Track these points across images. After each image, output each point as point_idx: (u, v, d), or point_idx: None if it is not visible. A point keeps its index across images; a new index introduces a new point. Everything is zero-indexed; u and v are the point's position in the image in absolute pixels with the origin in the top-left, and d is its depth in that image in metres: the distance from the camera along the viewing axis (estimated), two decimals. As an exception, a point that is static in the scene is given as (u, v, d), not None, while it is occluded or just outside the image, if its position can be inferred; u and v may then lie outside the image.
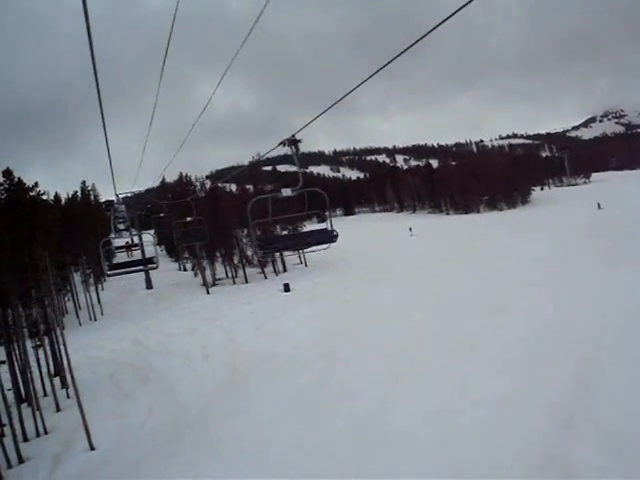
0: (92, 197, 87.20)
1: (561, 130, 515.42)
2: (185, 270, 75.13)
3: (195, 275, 65.07)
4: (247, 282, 59.18)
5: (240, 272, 62.17)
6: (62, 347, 26.96)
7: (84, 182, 72.66)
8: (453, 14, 5.02)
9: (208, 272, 60.99)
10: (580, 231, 55.46)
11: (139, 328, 41.41)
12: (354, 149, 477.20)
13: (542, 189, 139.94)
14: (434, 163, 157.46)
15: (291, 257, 66.08)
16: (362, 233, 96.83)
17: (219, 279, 62.81)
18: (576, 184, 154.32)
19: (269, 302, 45.55)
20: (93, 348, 36.65)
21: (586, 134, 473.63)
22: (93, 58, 5.93)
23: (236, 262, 62.92)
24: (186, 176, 62.80)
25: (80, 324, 47.29)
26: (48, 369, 30.81)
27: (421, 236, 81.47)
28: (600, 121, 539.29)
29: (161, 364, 30.35)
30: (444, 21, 5.15)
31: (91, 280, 58.17)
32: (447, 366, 23.04)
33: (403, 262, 57.41)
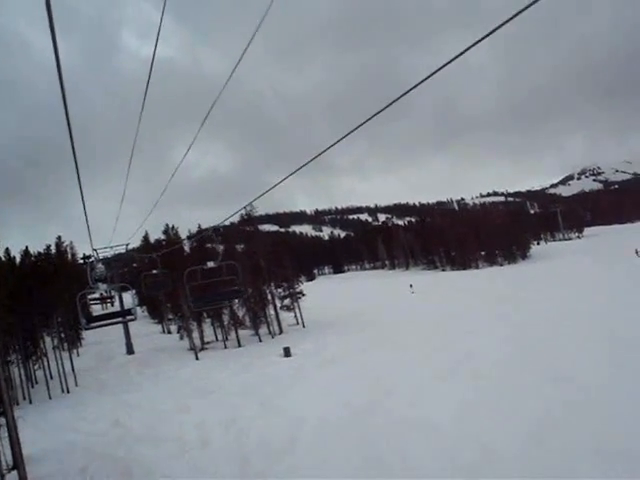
0: (69, 255, 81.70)
1: (540, 188, 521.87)
2: (169, 333, 68.86)
3: (181, 338, 58.73)
4: (240, 346, 53.03)
5: (231, 334, 56.11)
6: (14, 434, 21.04)
7: (59, 237, 66.80)
8: (427, 78, 5.55)
9: (196, 335, 54.76)
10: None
11: (120, 403, 34.84)
12: (335, 208, 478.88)
13: (538, 244, 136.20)
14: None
15: (287, 317, 60.33)
16: (357, 291, 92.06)
17: (208, 343, 56.74)
18: (569, 238, 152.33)
19: (270, 370, 39.53)
20: (64, 430, 30.06)
21: (565, 191, 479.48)
22: (66, 107, 6.08)
23: (226, 323, 57.00)
24: (172, 227, 57.29)
25: (50, 397, 40.60)
26: (6, 460, 24.42)
27: (423, 293, 76.24)
28: (578, 178, 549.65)
29: (148, 454, 23.91)
30: (417, 85, 5.70)
31: (65, 345, 51.84)
32: (530, 456, 17.29)
33: (411, 321, 51.94)
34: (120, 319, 20.60)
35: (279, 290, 60.95)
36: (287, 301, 61.11)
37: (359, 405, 26.64)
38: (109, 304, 62.53)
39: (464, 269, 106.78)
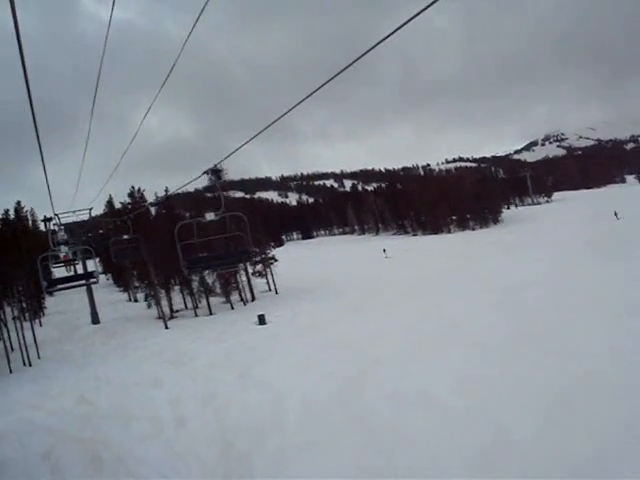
0: (30, 222, 78.38)
1: (504, 154, 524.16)
2: (136, 301, 66.20)
3: (149, 307, 56.19)
4: (211, 314, 50.91)
5: (202, 302, 53.93)
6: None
7: (19, 202, 63.21)
8: (384, 39, 5.48)
9: (164, 303, 52.35)
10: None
11: (85, 377, 32.40)
12: (301, 174, 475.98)
13: (508, 208, 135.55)
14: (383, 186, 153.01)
15: (258, 284, 58.34)
16: (329, 257, 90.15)
17: (177, 311, 54.48)
18: (539, 203, 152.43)
19: (245, 338, 37.49)
20: (25, 407, 27.60)
21: (529, 157, 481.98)
22: (25, 70, 5.98)
23: (196, 290, 54.76)
24: (139, 190, 54.17)
25: (11, 371, 37.87)
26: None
27: (397, 258, 74.68)
28: (542, 144, 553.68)
29: (118, 436, 21.69)
30: (374, 46, 5.63)
31: (27, 315, 49.13)
32: (551, 438, 15.55)
33: (388, 287, 50.36)
34: (82, 282, 20.18)
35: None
36: (259, 267, 58.99)
37: (346, 376, 24.78)
38: (72, 268, 59.27)
39: (435, 234, 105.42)
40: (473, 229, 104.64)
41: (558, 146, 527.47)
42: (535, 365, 21.57)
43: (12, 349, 42.67)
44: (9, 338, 43.47)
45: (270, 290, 59.12)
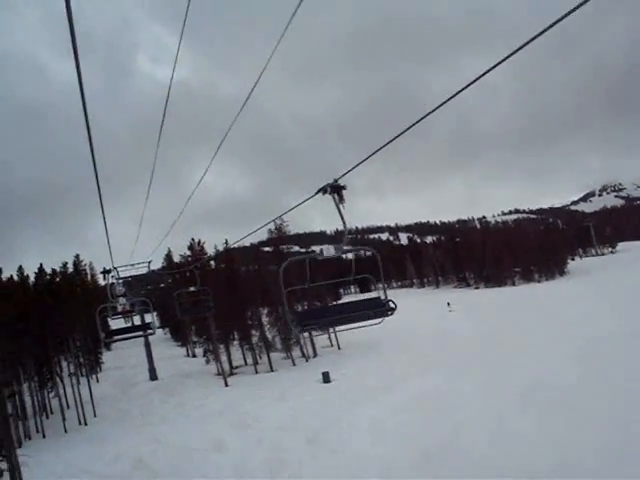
0: (88, 276, 78.19)
1: (560, 205, 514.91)
2: (194, 356, 64.43)
3: (207, 362, 54.16)
4: (272, 370, 48.63)
5: (262, 357, 51.83)
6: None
7: (77, 256, 62.75)
8: (442, 105, 5.53)
9: (223, 358, 50.37)
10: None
11: (143, 438, 30.44)
12: (356, 228, 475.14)
13: (573, 259, 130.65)
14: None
15: (320, 339, 55.87)
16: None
17: (237, 367, 52.40)
18: (602, 254, 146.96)
19: (310, 398, 35.20)
20: (80, 472, 25.79)
21: (586, 208, 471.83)
22: (89, 132, 6.26)
23: (255, 345, 52.70)
24: (199, 242, 52.90)
25: (66, 430, 36.31)
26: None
27: (461, 312, 71.36)
28: (599, 195, 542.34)
29: (180, 509, 19.61)
30: (433, 111, 5.60)
31: (83, 371, 47.84)
32: None
33: (456, 342, 47.36)
34: (140, 333, 19.47)
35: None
36: (321, 322, 56.61)
37: (428, 444, 22.27)
38: (130, 320, 58.26)
39: (499, 286, 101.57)
40: (539, 281, 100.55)
41: (616, 196, 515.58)
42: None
43: (68, 406, 41.23)
44: (65, 395, 42.08)
45: (332, 345, 56.66)
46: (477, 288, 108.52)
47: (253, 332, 53.26)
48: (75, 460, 27.91)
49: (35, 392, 39.72)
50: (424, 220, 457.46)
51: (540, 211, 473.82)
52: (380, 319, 8.81)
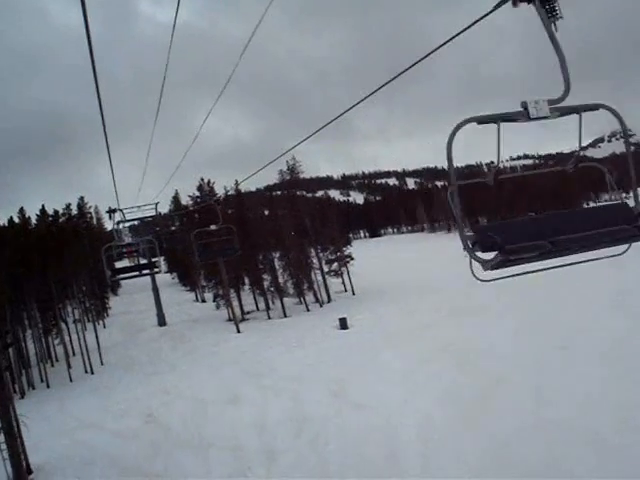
0: (94, 220, 76.15)
1: (569, 151, 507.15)
2: (204, 301, 62.64)
3: (217, 307, 52.11)
4: (286, 316, 46.63)
5: (275, 303, 49.89)
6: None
7: (82, 198, 60.25)
8: (445, 43, 5.35)
9: (235, 304, 48.29)
10: None
11: (153, 389, 28.60)
12: (362, 173, 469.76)
13: (588, 204, 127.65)
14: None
15: (333, 284, 53.66)
16: (402, 255, 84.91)
17: (248, 312, 50.46)
18: (617, 200, 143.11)
19: (328, 345, 33.22)
20: (84, 427, 23.86)
21: (595, 154, 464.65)
22: (95, 76, 6.25)
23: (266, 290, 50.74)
24: (208, 182, 50.17)
25: (71, 379, 34.54)
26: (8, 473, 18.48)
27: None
28: (608, 141, 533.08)
29: (195, 472, 17.56)
30: (436, 49, 5.47)
31: (89, 316, 46.05)
32: None
33: (478, 289, 44.64)
34: (145, 272, 19.91)
35: (325, 253, 54.31)
36: (335, 266, 54.60)
37: (465, 398, 20.14)
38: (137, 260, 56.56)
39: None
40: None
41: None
42: None
43: (74, 353, 39.49)
44: (70, 341, 40.30)
45: (346, 291, 54.63)
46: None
47: (265, 277, 51.31)
48: (81, 413, 26.04)
49: (39, 339, 37.89)
50: (431, 165, 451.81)
51: (549, 157, 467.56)
52: (627, 245, 4.96)
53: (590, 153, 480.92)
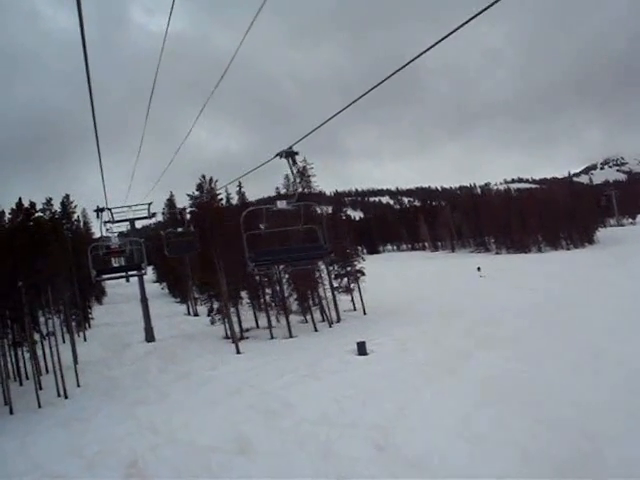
0: (81, 223, 70.65)
1: (561, 177, 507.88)
2: (196, 315, 56.96)
3: (212, 323, 46.26)
4: (291, 336, 41.05)
5: (278, 321, 44.46)
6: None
7: (67, 196, 54.46)
8: (429, 48, 5.68)
9: (234, 319, 42.43)
10: None
11: (138, 424, 22.84)
12: (356, 190, 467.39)
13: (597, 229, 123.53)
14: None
15: (341, 300, 48.13)
16: (408, 273, 79.63)
17: (247, 330, 44.89)
18: (622, 225, 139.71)
19: (350, 376, 27.77)
20: (46, 478, 18.31)
21: (587, 181, 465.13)
22: (89, 79, 6.59)
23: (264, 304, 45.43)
24: (210, 180, 44.09)
25: (40, 405, 28.62)
26: None
27: (494, 278, 63.82)
28: (601, 168, 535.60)
29: None
30: (420, 55, 5.82)
31: (69, 327, 40.37)
32: None
33: (504, 313, 40.03)
34: (131, 272, 19.72)
35: (335, 267, 48.88)
36: (344, 281, 49.23)
37: (555, 458, 14.83)
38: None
39: (524, 252, 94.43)
40: (568, 249, 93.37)
41: (618, 170, 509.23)
42: None
43: (47, 371, 33.84)
44: (44, 356, 34.67)
45: (354, 309, 49.21)
46: (498, 253, 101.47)
47: (268, 292, 45.98)
48: (46, 458, 20.07)
49: (2, 354, 31.97)
50: (425, 185, 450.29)
51: (543, 181, 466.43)
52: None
53: (582, 179, 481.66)
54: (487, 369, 25.77)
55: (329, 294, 46.73)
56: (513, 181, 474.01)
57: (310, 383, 27.03)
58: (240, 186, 50.36)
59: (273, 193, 54.10)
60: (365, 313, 47.69)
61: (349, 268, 49.21)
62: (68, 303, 40.65)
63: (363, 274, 49.81)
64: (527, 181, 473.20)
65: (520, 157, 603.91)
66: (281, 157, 9.52)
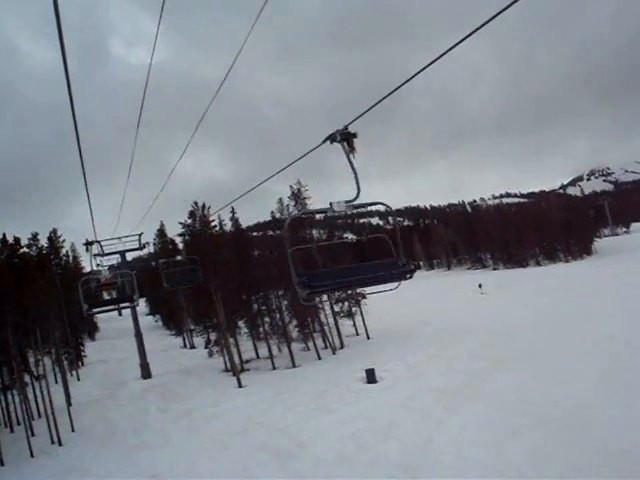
0: (70, 258, 68.80)
1: (549, 189, 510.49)
2: (193, 347, 55.04)
3: (210, 355, 44.50)
4: (294, 365, 39.30)
5: (280, 350, 42.71)
6: None
7: (55, 230, 52.74)
8: (416, 74, 5.93)
9: (233, 351, 40.63)
10: None
11: (139, 472, 20.97)
12: (345, 213, 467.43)
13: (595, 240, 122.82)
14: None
15: (343, 325, 46.49)
16: (408, 293, 77.33)
17: (247, 361, 43.08)
18: (616, 234, 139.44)
19: (361, 406, 26.16)
20: None
21: (575, 192, 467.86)
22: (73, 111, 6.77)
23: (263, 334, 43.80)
24: (203, 207, 42.33)
25: (32, 454, 26.70)
26: None
27: (495, 295, 62.39)
28: (587, 179, 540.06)
29: None
30: (407, 81, 6.05)
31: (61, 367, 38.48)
32: None
33: (512, 330, 38.49)
34: (123, 305, 19.97)
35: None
36: (345, 305, 47.61)
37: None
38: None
39: (522, 267, 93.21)
40: (566, 261, 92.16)
41: (604, 180, 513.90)
42: None
43: (39, 415, 31.94)
44: (35, 399, 32.77)
45: (357, 334, 47.53)
46: (495, 269, 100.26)
47: (266, 320, 44.28)
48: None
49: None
50: (414, 204, 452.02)
51: (531, 195, 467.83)
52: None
53: (570, 191, 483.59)
54: (510, 393, 24.28)
55: (331, 319, 44.99)
56: (501, 196, 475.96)
57: (321, 417, 25.25)
58: (233, 212, 48.75)
59: (268, 217, 52.23)
60: (369, 337, 46.02)
61: (349, 291, 47.58)
62: (59, 341, 38.71)
63: (364, 297, 48.18)
64: (515, 195, 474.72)
65: (506, 171, 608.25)
66: (332, 142, 7.65)
